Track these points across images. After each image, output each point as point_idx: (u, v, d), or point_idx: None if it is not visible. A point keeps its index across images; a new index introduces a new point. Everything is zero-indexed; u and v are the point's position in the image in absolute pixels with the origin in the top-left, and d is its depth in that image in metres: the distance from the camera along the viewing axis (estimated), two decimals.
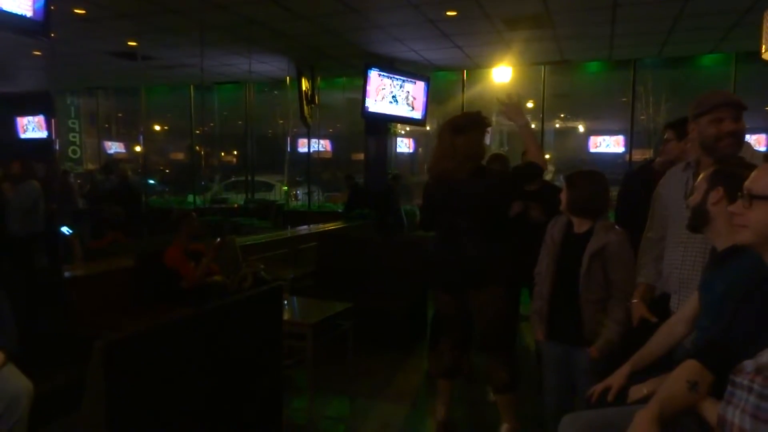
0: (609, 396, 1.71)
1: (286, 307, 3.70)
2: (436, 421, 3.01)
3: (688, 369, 1.34)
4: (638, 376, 1.70)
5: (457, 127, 2.71)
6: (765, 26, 2.32)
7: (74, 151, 11.95)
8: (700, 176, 1.68)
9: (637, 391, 1.61)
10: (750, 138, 9.11)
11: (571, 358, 2.34)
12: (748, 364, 0.95)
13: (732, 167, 1.57)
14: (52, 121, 10.67)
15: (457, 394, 3.45)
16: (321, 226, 6.92)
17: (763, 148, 8.78)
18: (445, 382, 2.99)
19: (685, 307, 1.80)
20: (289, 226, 7.36)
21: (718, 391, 1.30)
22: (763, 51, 2.33)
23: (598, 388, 1.76)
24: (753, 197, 1.22)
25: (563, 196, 2.38)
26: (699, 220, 1.65)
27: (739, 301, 1.37)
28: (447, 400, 3.01)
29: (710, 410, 1.26)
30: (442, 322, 3.04)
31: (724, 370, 1.30)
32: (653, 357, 1.75)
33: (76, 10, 5.77)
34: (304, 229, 6.65)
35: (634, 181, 3.42)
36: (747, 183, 1.25)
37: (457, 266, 2.75)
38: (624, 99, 8.45)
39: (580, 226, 2.33)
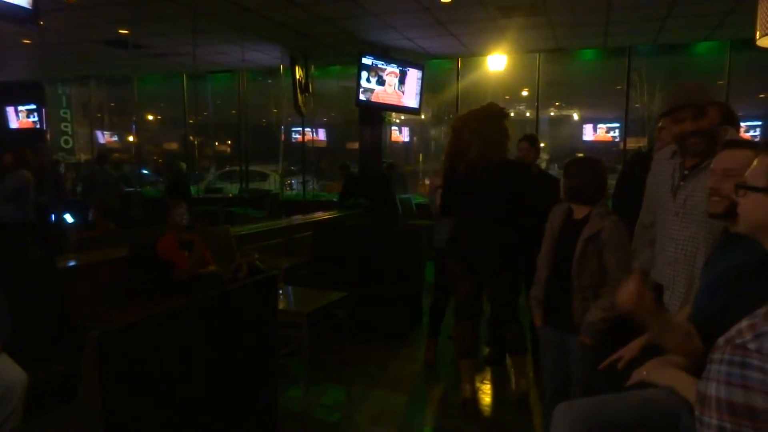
0: (619, 365, 1.74)
1: (281, 296, 3.70)
2: (463, 397, 3.21)
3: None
4: (653, 350, 1.68)
5: (488, 117, 2.97)
6: (760, 10, 2.32)
7: (66, 141, 11.84)
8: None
9: (637, 373, 1.62)
10: (745, 125, 9.14)
11: (566, 343, 2.36)
12: (720, 340, 0.98)
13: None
14: (43, 110, 10.57)
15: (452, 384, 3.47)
16: (316, 215, 6.91)
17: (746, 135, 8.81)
18: (468, 362, 3.20)
19: (681, 313, 1.81)
20: (283, 216, 7.35)
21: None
22: (758, 37, 2.33)
23: (612, 357, 1.77)
24: (747, 187, 1.23)
25: (561, 184, 2.39)
26: (718, 206, 1.64)
27: (733, 283, 1.37)
28: (472, 378, 3.24)
29: (683, 382, 1.28)
30: (464, 306, 3.19)
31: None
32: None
33: None
34: (298, 218, 6.64)
35: (633, 169, 3.42)
36: (747, 172, 1.25)
37: (482, 251, 2.95)
38: (619, 87, 8.43)
39: (579, 212, 2.35)
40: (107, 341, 1.75)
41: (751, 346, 0.84)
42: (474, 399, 3.28)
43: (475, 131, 2.97)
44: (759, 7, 2.33)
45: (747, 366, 0.85)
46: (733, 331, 0.95)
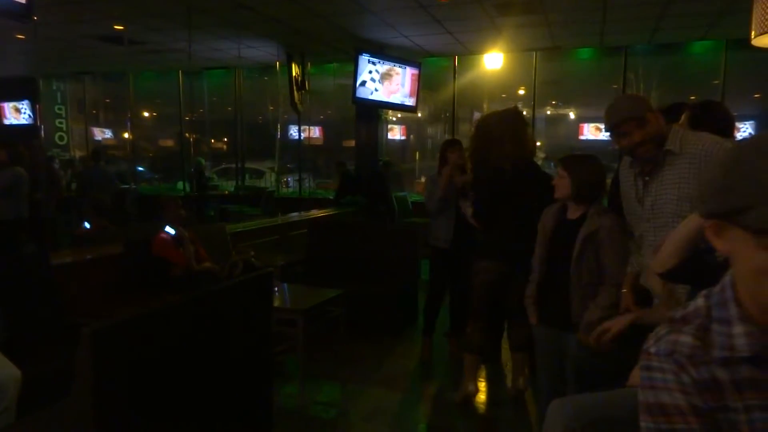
0: (605, 337, 1.75)
1: (277, 293, 3.70)
2: (466, 392, 3.30)
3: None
4: (641, 327, 1.67)
5: (520, 118, 3.10)
6: (755, 10, 2.32)
7: (61, 138, 11.78)
8: None
9: (636, 375, 1.63)
10: (739, 125, 9.17)
11: (562, 342, 2.36)
12: (644, 346, 1.00)
13: None
14: (37, 107, 10.50)
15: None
16: (312, 212, 6.90)
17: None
18: (473, 358, 3.31)
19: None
20: (279, 213, 7.34)
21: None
22: (753, 36, 2.34)
23: (598, 329, 1.79)
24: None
25: (557, 182, 2.37)
26: None
27: None
28: (475, 375, 3.36)
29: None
30: (481, 306, 3.23)
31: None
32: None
33: None
34: (294, 215, 6.63)
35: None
36: None
37: (508, 251, 3.03)
38: (615, 86, 8.44)
39: (574, 212, 2.34)
40: (100, 338, 1.75)
41: (652, 350, 0.86)
42: (474, 395, 3.36)
43: (510, 133, 3.03)
44: (754, 6, 2.34)
45: (650, 369, 0.87)
46: (650, 337, 0.95)
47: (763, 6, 2.22)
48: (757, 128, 9.48)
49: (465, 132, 8.44)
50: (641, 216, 2.06)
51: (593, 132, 10.22)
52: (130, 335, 1.92)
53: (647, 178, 2.00)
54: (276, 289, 3.67)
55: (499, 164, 3.04)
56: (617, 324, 1.76)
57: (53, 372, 2.57)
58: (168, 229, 3.84)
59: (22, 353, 2.48)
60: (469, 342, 3.30)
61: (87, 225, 4.59)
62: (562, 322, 2.35)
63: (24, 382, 2.32)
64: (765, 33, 2.22)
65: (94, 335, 1.71)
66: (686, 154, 1.89)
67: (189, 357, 2.20)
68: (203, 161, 9.30)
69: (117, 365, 1.84)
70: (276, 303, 3.26)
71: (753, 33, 2.33)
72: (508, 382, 3.56)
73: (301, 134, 10.18)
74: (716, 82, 7.69)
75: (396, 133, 12.14)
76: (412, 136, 13.71)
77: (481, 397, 3.53)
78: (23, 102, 11.05)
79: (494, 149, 3.05)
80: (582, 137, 10.99)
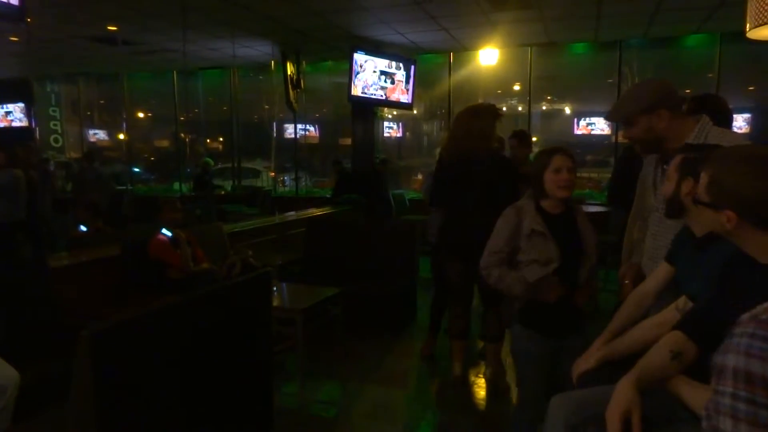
0: (574, 377, 1.72)
1: (275, 293, 3.69)
2: (455, 376, 3.49)
3: (672, 339, 1.37)
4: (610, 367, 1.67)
5: (476, 113, 3.23)
6: (749, 3, 2.32)
7: (56, 140, 11.72)
8: (671, 165, 1.69)
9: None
10: (735, 116, 9.20)
11: (558, 349, 2.35)
12: (744, 316, 1.01)
13: (699, 155, 1.57)
14: (32, 109, 10.46)
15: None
16: (309, 211, 6.90)
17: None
18: (460, 343, 3.49)
19: (652, 280, 1.83)
20: (276, 212, 7.33)
21: (699, 372, 1.33)
22: (748, 29, 2.34)
23: (576, 369, 1.76)
24: (697, 202, 1.29)
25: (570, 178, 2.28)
26: (675, 210, 1.67)
27: (720, 279, 1.39)
28: (462, 357, 3.51)
29: (685, 385, 1.29)
30: (456, 291, 3.43)
31: (708, 341, 1.33)
32: (623, 328, 1.77)
33: None
34: (292, 215, 6.62)
35: (627, 163, 3.45)
36: (699, 187, 1.29)
37: (468, 236, 3.07)
38: (610, 80, 8.45)
39: (556, 207, 2.26)
40: (99, 340, 1.74)
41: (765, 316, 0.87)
42: (465, 377, 3.55)
43: (462, 126, 3.26)
44: None
45: None
46: (758, 308, 0.99)
47: None
48: (752, 120, 9.50)
49: None
50: (651, 204, 2.07)
51: (585, 129, 10.23)
52: (128, 338, 1.91)
53: (665, 167, 2.00)
54: (275, 288, 3.67)
55: (446, 156, 3.38)
56: (585, 362, 1.72)
57: (51, 375, 2.57)
58: (164, 231, 3.83)
59: (20, 355, 2.47)
60: (452, 328, 3.50)
61: (83, 228, 4.57)
62: (563, 330, 2.28)
63: (22, 384, 2.31)
64: (760, 25, 2.22)
65: (92, 338, 1.71)
66: None
67: (188, 358, 2.19)
68: (212, 162, 9.31)
69: (115, 368, 1.84)
70: (275, 302, 3.26)
71: (748, 25, 2.32)
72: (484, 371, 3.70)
73: (297, 133, 10.17)
74: (711, 75, 7.71)
75: (393, 131, 12.12)
76: (408, 133, 13.69)
77: (481, 393, 3.53)
78: (14, 106, 11.02)
79: (448, 143, 3.41)
80: (578, 132, 11.00)
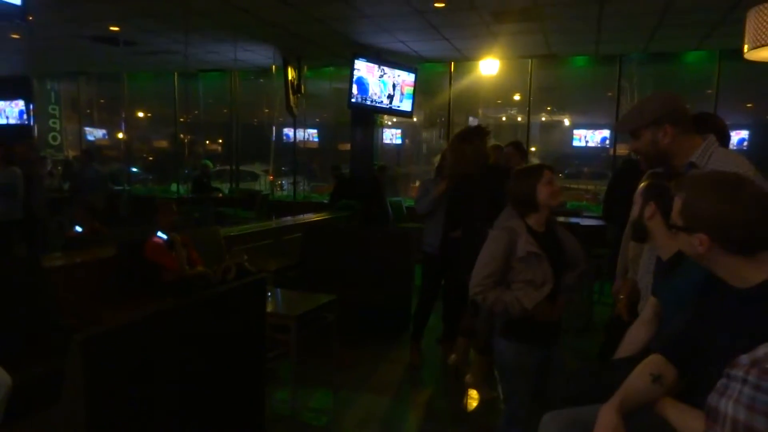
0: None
1: (270, 299, 3.68)
2: (450, 363, 3.88)
3: (652, 363, 1.38)
4: None
5: (464, 137, 3.49)
6: (748, 25, 2.34)
7: (54, 138, 11.70)
8: (637, 190, 1.70)
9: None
10: (731, 134, 9.27)
11: (547, 358, 2.38)
12: (744, 358, 0.99)
13: (663, 181, 1.59)
14: (31, 106, 10.45)
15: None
16: (306, 217, 6.89)
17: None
18: (464, 340, 3.78)
19: (645, 311, 1.84)
20: (273, 217, 7.31)
21: (681, 391, 1.33)
22: (746, 50, 2.36)
23: None
24: (672, 226, 1.31)
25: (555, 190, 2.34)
26: (640, 233, 1.69)
27: (696, 303, 1.41)
28: (461, 350, 3.83)
29: (672, 408, 1.29)
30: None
31: (687, 363, 1.34)
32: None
33: None
34: (288, 219, 6.61)
35: (622, 176, 3.46)
36: (672, 214, 1.32)
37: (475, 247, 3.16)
38: (609, 93, 8.50)
39: (540, 225, 2.31)
40: (91, 347, 1.73)
41: None
42: (463, 366, 3.76)
43: (455, 151, 3.57)
44: (747, 20, 2.36)
45: None
46: (760, 352, 0.95)
47: (756, 20, 2.25)
48: (750, 137, 9.56)
49: None
50: None
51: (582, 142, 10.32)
52: (120, 343, 1.90)
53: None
54: (269, 294, 3.66)
55: (450, 181, 3.77)
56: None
57: (43, 377, 2.55)
58: (160, 233, 3.82)
59: (12, 357, 2.46)
60: (462, 326, 3.73)
61: (78, 228, 4.55)
62: (554, 337, 2.36)
63: (13, 386, 2.29)
64: (759, 47, 2.25)
65: (84, 343, 1.70)
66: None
67: (180, 363, 2.18)
68: (211, 164, 9.30)
69: (108, 373, 1.83)
70: (269, 308, 3.24)
71: (746, 47, 2.35)
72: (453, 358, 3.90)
73: (297, 137, 10.17)
74: (710, 91, 7.75)
75: (392, 137, 12.14)
76: (407, 141, 13.72)
77: (473, 404, 3.53)
78: (10, 104, 11.00)
79: (450, 170, 3.78)
80: (577, 144, 11.05)
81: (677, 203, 1.28)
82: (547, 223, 2.35)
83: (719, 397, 0.96)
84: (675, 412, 1.28)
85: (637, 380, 1.36)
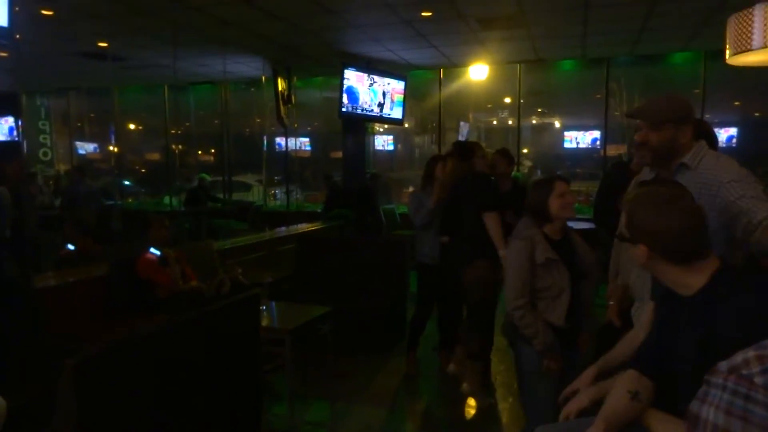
0: (567, 415, 1.62)
1: (265, 312, 3.67)
2: (447, 371, 3.92)
3: (627, 379, 1.40)
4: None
5: (465, 157, 3.75)
6: (729, 31, 2.38)
7: (45, 153, 11.64)
8: (624, 198, 1.72)
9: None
10: (720, 132, 9.37)
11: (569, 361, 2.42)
12: (722, 365, 1.00)
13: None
14: (20, 122, 10.38)
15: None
16: (299, 227, 6.88)
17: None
18: (463, 349, 3.77)
19: (645, 315, 1.85)
20: (267, 228, 7.30)
21: (664, 401, 1.34)
22: (728, 56, 2.39)
23: (566, 392, 1.75)
24: (620, 238, 1.40)
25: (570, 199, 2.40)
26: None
27: (655, 313, 1.44)
28: (460, 362, 3.82)
29: (655, 420, 1.31)
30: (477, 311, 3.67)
31: (659, 374, 1.36)
32: (617, 363, 1.78)
33: (43, 11, 5.62)
34: (282, 230, 6.60)
35: (613, 178, 3.48)
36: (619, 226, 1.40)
37: (463, 252, 3.53)
38: (598, 96, 8.57)
39: (557, 232, 2.39)
40: (83, 370, 1.73)
41: (758, 380, 0.86)
42: (460, 378, 3.72)
43: (455, 169, 3.77)
44: (728, 26, 2.39)
45: (750, 399, 0.87)
46: (738, 358, 0.97)
47: (737, 27, 2.28)
48: (738, 134, 9.67)
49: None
50: None
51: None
52: (113, 365, 1.90)
53: None
54: (263, 308, 3.65)
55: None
56: (575, 404, 1.61)
57: (34, 400, 2.53)
58: (153, 249, 3.81)
59: (2, 380, 2.44)
60: (473, 349, 3.68)
61: (71, 246, 4.52)
62: (575, 341, 2.45)
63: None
64: (739, 53, 2.28)
65: (76, 368, 1.69)
66: (698, 174, 1.84)
67: (175, 381, 2.18)
68: (208, 176, 9.28)
69: (100, 395, 1.82)
70: (264, 322, 3.23)
71: (728, 52, 2.38)
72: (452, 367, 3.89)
73: (289, 146, 10.18)
74: (697, 91, 7.83)
75: (384, 144, 12.17)
76: (399, 146, 13.75)
77: (471, 412, 3.53)
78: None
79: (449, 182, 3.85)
80: (567, 145, 11.13)
81: (623, 217, 1.38)
82: (563, 231, 2.41)
83: (700, 403, 0.98)
84: (657, 424, 1.30)
85: (616, 400, 1.37)
